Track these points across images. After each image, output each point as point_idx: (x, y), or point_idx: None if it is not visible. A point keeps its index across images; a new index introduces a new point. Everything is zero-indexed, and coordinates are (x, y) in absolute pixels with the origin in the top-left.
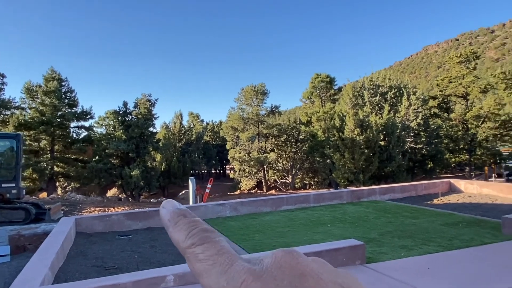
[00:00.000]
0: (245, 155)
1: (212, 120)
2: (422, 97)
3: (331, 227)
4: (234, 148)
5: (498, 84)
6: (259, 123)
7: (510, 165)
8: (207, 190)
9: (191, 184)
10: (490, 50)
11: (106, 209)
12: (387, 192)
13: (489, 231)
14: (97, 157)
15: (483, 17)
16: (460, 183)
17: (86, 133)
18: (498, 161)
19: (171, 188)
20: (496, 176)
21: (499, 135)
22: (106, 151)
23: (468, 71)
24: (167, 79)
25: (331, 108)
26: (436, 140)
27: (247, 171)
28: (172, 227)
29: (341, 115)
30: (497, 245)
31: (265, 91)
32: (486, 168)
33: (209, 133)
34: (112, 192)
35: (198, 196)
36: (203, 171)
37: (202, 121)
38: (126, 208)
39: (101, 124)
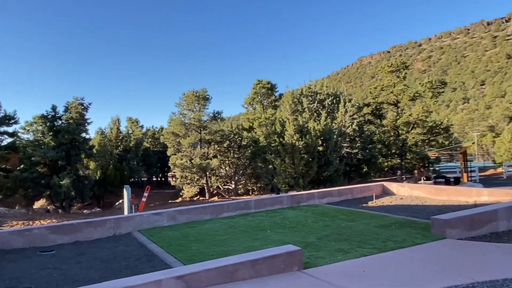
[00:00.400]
0: (187, 162)
1: (152, 126)
2: (357, 104)
3: (271, 233)
4: (175, 154)
5: (426, 92)
6: (201, 129)
7: (437, 168)
8: (144, 199)
9: (126, 193)
10: (418, 62)
11: (31, 222)
12: (325, 196)
13: (419, 231)
14: (22, 166)
15: (411, 31)
16: (393, 186)
17: (10, 139)
18: (427, 164)
19: (108, 197)
20: (425, 179)
21: (426, 140)
22: (32, 159)
23: (399, 80)
24: (104, 82)
25: (272, 114)
26: (370, 145)
27: (189, 178)
28: None
29: (282, 121)
30: (427, 246)
31: (207, 96)
32: (416, 171)
33: (150, 139)
34: (39, 204)
35: (134, 206)
36: (143, 179)
37: (142, 126)
38: (54, 220)
39: (28, 130)
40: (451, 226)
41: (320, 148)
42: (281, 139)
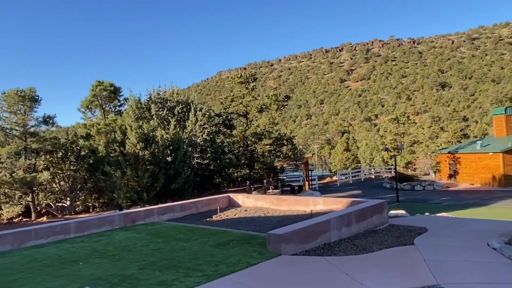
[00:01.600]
0: (5, 175)
1: None
2: (208, 113)
3: (83, 265)
4: None
5: (271, 105)
6: (27, 136)
7: (282, 177)
8: None
9: None
10: (270, 80)
11: None
12: (166, 211)
13: (256, 248)
14: None
15: (265, 51)
16: (238, 197)
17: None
18: (272, 174)
19: None
20: (273, 188)
21: (273, 151)
22: None
23: (247, 91)
24: None
25: (114, 121)
26: (222, 156)
27: (8, 195)
28: None
29: (123, 128)
30: (260, 266)
31: (36, 97)
32: (265, 181)
33: None
34: None
35: None
36: None
37: None
38: None
39: None
40: (287, 241)
41: (169, 159)
42: (122, 148)
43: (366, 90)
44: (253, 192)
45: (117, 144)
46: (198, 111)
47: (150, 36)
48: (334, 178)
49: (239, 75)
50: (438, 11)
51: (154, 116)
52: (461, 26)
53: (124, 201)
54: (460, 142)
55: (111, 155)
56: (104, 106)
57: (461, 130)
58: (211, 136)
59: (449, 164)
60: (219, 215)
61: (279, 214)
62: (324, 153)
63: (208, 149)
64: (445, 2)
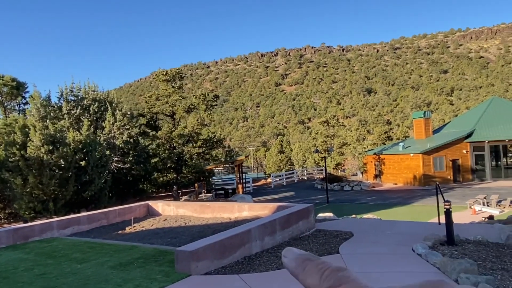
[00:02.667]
0: None
1: None
2: (129, 113)
3: None
4: None
5: (200, 105)
6: None
7: (214, 181)
8: None
9: None
10: (207, 82)
11: None
12: (69, 224)
13: (164, 268)
14: None
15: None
16: (158, 205)
17: None
18: (202, 178)
19: None
20: (205, 192)
21: (202, 154)
22: None
23: (174, 90)
24: None
25: (16, 120)
26: (146, 159)
27: None
28: (301, 274)
29: (26, 129)
30: None
31: None
32: (196, 185)
33: None
34: None
35: None
36: None
37: None
38: None
39: None
40: (199, 258)
41: (82, 163)
42: (23, 152)
43: (300, 94)
44: (184, 197)
45: (17, 147)
46: (117, 111)
47: (81, 34)
48: (269, 180)
49: (164, 72)
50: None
51: (65, 116)
52: (385, 36)
53: (26, 213)
54: (385, 144)
55: (10, 159)
56: (4, 104)
57: (385, 132)
58: (134, 138)
59: (375, 165)
60: (133, 227)
61: (202, 223)
62: (260, 155)
63: (131, 152)
64: (371, 13)
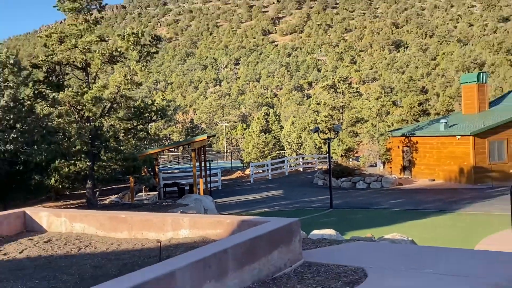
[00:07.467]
0: None
1: None
2: (12, 61)
3: None
4: None
5: (129, 52)
6: None
7: (169, 173)
8: None
9: None
10: (163, 27)
11: None
12: None
13: None
14: None
15: None
16: (42, 216)
17: None
18: (133, 169)
19: None
20: (147, 189)
21: (132, 130)
22: None
23: (88, 26)
24: None
25: None
26: (44, 137)
27: None
28: None
29: None
30: None
31: None
32: (132, 179)
33: None
34: None
35: None
36: None
37: None
38: None
39: None
40: None
41: None
42: None
43: (298, 48)
44: (110, 199)
45: None
46: None
47: None
48: (247, 172)
49: None
50: None
51: None
52: None
53: None
54: (418, 122)
55: None
56: None
57: (420, 104)
58: (26, 104)
59: (403, 151)
60: None
61: (108, 249)
62: (237, 135)
63: (18, 125)
64: None
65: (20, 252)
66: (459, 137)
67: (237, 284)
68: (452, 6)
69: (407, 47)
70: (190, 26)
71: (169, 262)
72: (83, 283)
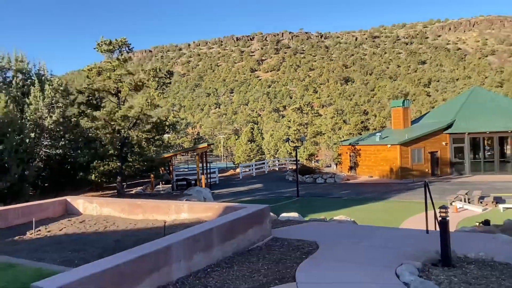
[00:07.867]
0: None
1: None
2: (62, 88)
3: None
4: None
5: (150, 82)
6: None
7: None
8: None
9: None
10: (178, 65)
11: None
12: None
13: None
14: None
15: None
16: (79, 202)
17: None
18: (153, 168)
19: None
20: (163, 183)
21: (151, 140)
22: None
23: (119, 63)
24: None
25: None
26: (85, 145)
27: None
28: None
29: None
30: None
31: None
32: (152, 175)
33: None
34: None
35: None
36: None
37: None
38: None
39: None
40: None
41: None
42: None
43: (276, 81)
44: (135, 190)
45: None
46: (47, 84)
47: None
48: (237, 170)
49: (107, 42)
50: (345, 7)
51: None
52: (364, 24)
53: None
54: (361, 134)
55: None
56: None
57: (362, 122)
58: (72, 119)
59: (350, 156)
60: (37, 231)
61: (127, 227)
62: (231, 143)
63: (67, 135)
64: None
65: (60, 230)
66: (389, 145)
67: (220, 255)
68: (385, 53)
69: (353, 82)
70: (198, 65)
71: (168, 238)
72: (105, 254)
